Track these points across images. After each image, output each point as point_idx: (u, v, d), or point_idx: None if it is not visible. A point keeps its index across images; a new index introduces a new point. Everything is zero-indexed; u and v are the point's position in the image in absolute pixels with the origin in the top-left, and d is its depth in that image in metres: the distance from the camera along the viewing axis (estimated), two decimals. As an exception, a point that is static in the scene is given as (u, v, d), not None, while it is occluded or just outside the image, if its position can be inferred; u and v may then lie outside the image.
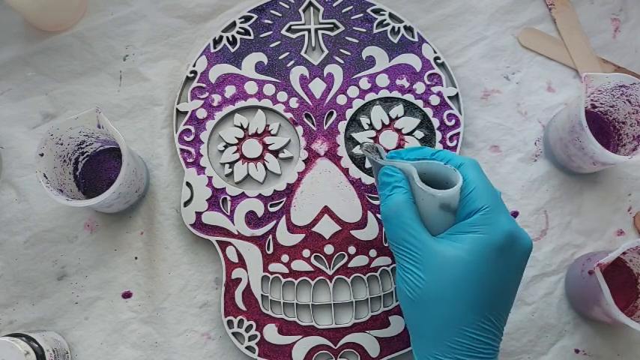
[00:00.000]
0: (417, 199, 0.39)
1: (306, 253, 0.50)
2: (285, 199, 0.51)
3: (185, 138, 0.52)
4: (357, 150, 0.51)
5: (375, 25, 0.55)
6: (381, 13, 0.55)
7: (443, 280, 0.37)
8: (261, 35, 0.55)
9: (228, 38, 0.55)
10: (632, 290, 0.49)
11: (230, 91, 0.53)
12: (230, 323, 0.49)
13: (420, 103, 0.53)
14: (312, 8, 0.56)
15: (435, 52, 0.55)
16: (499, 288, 0.38)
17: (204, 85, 0.53)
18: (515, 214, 0.52)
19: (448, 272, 0.37)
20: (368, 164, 0.51)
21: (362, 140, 0.52)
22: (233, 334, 0.49)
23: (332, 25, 0.55)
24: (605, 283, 0.43)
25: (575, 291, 0.49)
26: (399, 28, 0.55)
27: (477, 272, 0.37)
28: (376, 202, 0.51)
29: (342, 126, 0.52)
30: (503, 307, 0.39)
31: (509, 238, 0.38)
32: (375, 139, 0.52)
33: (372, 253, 0.50)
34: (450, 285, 0.37)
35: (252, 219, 0.51)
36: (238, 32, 0.55)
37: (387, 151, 0.47)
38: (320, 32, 0.55)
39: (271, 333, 0.49)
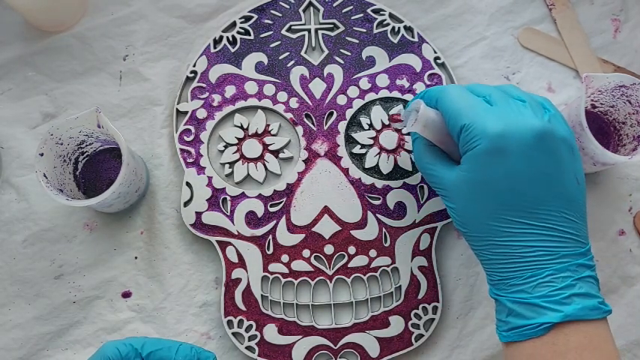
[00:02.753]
0: (425, 138, 0.44)
1: (306, 253, 0.50)
2: (285, 199, 0.51)
3: (185, 138, 0.52)
4: (395, 110, 0.49)
5: (375, 25, 0.55)
6: (381, 13, 0.55)
7: (463, 203, 0.40)
8: (262, 35, 0.55)
9: (228, 38, 0.55)
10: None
11: (230, 91, 0.53)
12: (230, 323, 0.49)
13: (420, 103, 0.53)
14: (312, 8, 0.56)
15: (435, 52, 0.55)
16: (510, 188, 0.38)
17: (204, 85, 0.53)
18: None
19: (462, 194, 0.40)
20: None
21: (363, 141, 0.52)
22: (233, 334, 0.49)
23: (332, 25, 0.55)
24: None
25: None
26: (399, 28, 0.55)
27: (479, 183, 0.38)
28: (376, 202, 0.51)
29: (342, 126, 0.52)
30: (535, 204, 0.37)
31: (495, 139, 0.37)
32: (375, 138, 0.52)
33: (372, 253, 0.50)
34: (469, 204, 0.39)
35: (252, 219, 0.51)
36: (238, 32, 0.55)
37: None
38: (320, 32, 0.55)
39: (271, 333, 0.49)
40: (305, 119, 0.53)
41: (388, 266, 0.50)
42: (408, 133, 0.51)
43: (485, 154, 0.38)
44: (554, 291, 0.36)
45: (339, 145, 0.52)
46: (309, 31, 0.55)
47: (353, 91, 0.53)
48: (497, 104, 0.39)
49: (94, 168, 0.52)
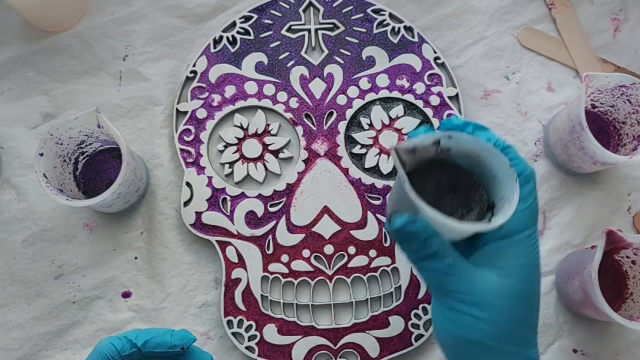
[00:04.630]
0: (399, 189, 0.34)
1: (305, 253, 0.50)
2: (285, 199, 0.51)
3: (185, 138, 0.52)
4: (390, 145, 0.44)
5: (375, 25, 0.55)
6: (381, 13, 0.55)
7: (504, 315, 0.34)
8: (261, 35, 0.55)
9: (228, 38, 0.55)
10: (621, 287, 0.49)
11: (230, 91, 0.53)
12: (230, 323, 0.49)
13: (420, 103, 0.53)
14: (312, 8, 0.56)
15: (435, 52, 0.55)
16: (537, 297, 0.36)
17: (204, 85, 0.53)
18: (515, 214, 0.52)
19: (507, 305, 0.34)
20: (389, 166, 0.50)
21: (363, 141, 0.52)
22: (233, 334, 0.49)
23: (332, 25, 0.55)
24: (597, 280, 0.43)
25: (566, 288, 0.49)
26: (399, 28, 0.55)
27: (527, 295, 0.35)
28: (376, 202, 0.51)
29: (342, 126, 0.52)
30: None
31: (539, 252, 0.36)
32: (375, 138, 0.52)
33: (372, 253, 0.50)
34: (512, 317, 0.34)
35: (252, 219, 0.51)
36: (238, 32, 0.55)
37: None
38: (320, 32, 0.55)
39: (271, 333, 0.49)
40: (305, 119, 0.53)
41: (388, 266, 0.50)
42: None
43: (534, 265, 0.35)
44: None
45: (339, 145, 0.52)
46: (309, 31, 0.55)
47: (353, 91, 0.53)
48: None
49: (94, 168, 0.52)
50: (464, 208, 0.35)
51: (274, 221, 0.50)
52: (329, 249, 0.50)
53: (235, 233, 0.50)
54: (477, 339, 0.34)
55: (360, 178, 0.51)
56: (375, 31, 0.55)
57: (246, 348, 0.49)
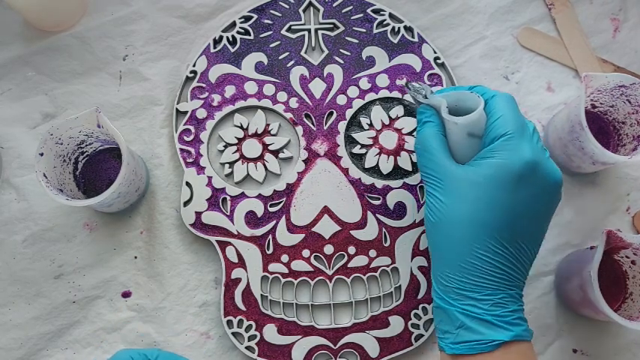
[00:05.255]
0: (447, 131, 0.42)
1: (305, 253, 0.50)
2: (284, 199, 0.51)
3: (185, 138, 0.52)
4: (401, 82, 0.52)
5: (375, 25, 0.55)
6: (381, 13, 0.55)
7: (459, 203, 0.39)
8: (261, 35, 0.55)
9: (228, 38, 0.55)
10: (621, 287, 0.49)
11: (230, 91, 0.53)
12: (230, 323, 0.49)
13: (419, 103, 0.53)
14: (312, 8, 0.56)
15: (435, 52, 0.55)
16: (515, 215, 0.38)
17: (204, 85, 0.53)
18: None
19: (464, 195, 0.39)
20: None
21: (363, 141, 0.52)
22: (233, 333, 0.49)
23: (332, 25, 0.55)
24: (597, 280, 0.43)
25: (566, 288, 0.49)
26: (399, 28, 0.55)
27: (489, 196, 0.38)
28: (376, 202, 0.51)
29: (342, 126, 0.52)
30: (522, 238, 0.39)
31: (529, 167, 0.38)
32: (375, 138, 0.52)
33: (372, 253, 0.50)
34: (465, 207, 0.39)
35: (251, 219, 0.51)
36: (238, 32, 0.55)
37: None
38: (320, 32, 0.55)
39: (271, 333, 0.49)
40: (305, 119, 0.53)
41: (388, 266, 0.50)
42: (415, 104, 0.47)
43: (513, 172, 0.38)
44: (506, 312, 0.38)
45: (338, 145, 0.52)
46: (309, 31, 0.55)
47: (353, 91, 0.53)
48: (536, 137, 0.40)
49: (94, 168, 0.52)
50: None
51: (274, 221, 0.51)
52: (329, 249, 0.50)
53: (235, 233, 0.50)
54: (435, 220, 0.40)
55: (360, 178, 0.51)
56: (375, 31, 0.55)
57: (246, 348, 0.49)
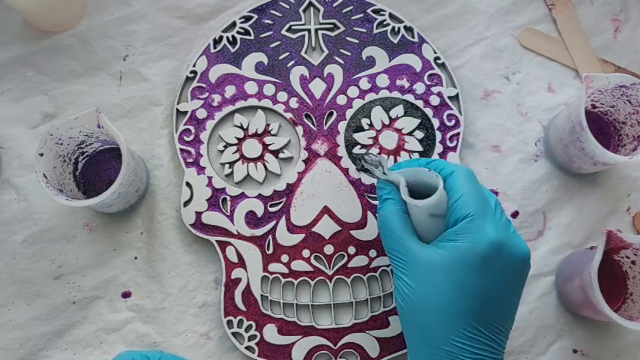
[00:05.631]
0: (409, 209, 0.40)
1: (305, 253, 0.50)
2: (285, 199, 0.51)
3: (185, 138, 0.52)
4: (357, 150, 0.52)
5: (375, 25, 0.55)
6: (381, 13, 0.55)
7: (427, 287, 0.38)
8: (262, 35, 0.55)
9: (228, 38, 0.55)
10: (621, 287, 0.49)
11: (230, 91, 0.53)
12: (230, 323, 0.49)
13: (420, 103, 0.53)
14: (312, 8, 0.56)
15: (435, 53, 0.55)
16: (487, 297, 0.37)
17: (204, 85, 0.53)
18: (515, 214, 0.52)
19: (431, 279, 0.37)
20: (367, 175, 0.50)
21: (363, 141, 0.52)
22: (233, 334, 0.49)
23: (332, 26, 0.55)
24: (597, 280, 0.43)
25: (566, 289, 0.49)
26: (399, 28, 0.55)
27: (458, 280, 0.37)
28: (376, 202, 0.51)
29: (342, 126, 0.52)
30: (496, 318, 0.38)
31: (494, 247, 0.37)
32: (375, 139, 0.52)
33: (372, 253, 0.50)
34: (434, 292, 0.37)
35: (251, 219, 0.51)
36: (238, 32, 0.55)
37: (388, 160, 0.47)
38: (320, 32, 0.55)
39: (271, 333, 0.49)
40: (305, 119, 0.53)
41: (388, 266, 0.50)
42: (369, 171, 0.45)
43: (478, 255, 0.37)
44: None
45: (339, 145, 0.52)
46: (309, 31, 0.55)
47: (353, 92, 0.53)
48: (498, 212, 0.39)
49: (94, 168, 0.52)
50: None
51: (274, 221, 0.50)
52: (329, 249, 0.50)
53: (235, 233, 0.50)
54: (405, 305, 0.39)
55: (359, 179, 0.51)
56: (375, 32, 0.55)
57: (246, 348, 0.49)
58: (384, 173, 0.42)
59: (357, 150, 0.52)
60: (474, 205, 0.38)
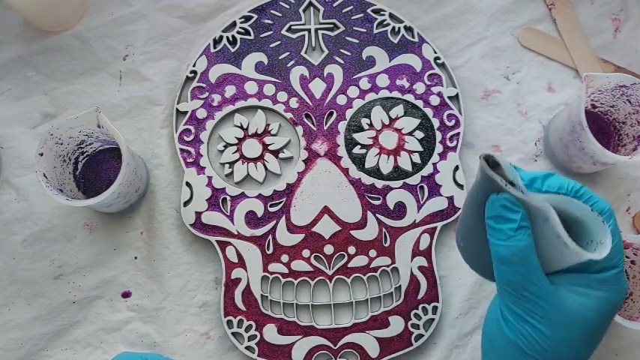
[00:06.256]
0: (536, 230, 0.34)
1: (305, 253, 0.50)
2: (285, 199, 0.51)
3: (185, 138, 0.52)
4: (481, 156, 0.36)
5: (375, 25, 0.55)
6: (382, 13, 0.55)
7: (568, 340, 0.34)
8: (262, 35, 0.55)
9: (228, 38, 0.55)
10: None
11: (230, 91, 0.53)
12: (230, 323, 0.49)
13: (420, 103, 0.53)
14: (312, 8, 0.56)
15: (435, 52, 0.55)
16: (601, 339, 0.36)
17: (204, 85, 0.53)
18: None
19: (577, 332, 0.34)
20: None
21: (363, 141, 0.52)
22: (233, 334, 0.49)
23: (332, 25, 0.55)
24: None
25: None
26: (399, 28, 0.55)
27: (599, 332, 0.35)
28: (376, 202, 0.51)
29: (342, 126, 0.52)
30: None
31: (625, 294, 0.36)
32: (375, 139, 0.52)
33: (372, 253, 0.50)
34: (575, 345, 0.34)
35: (251, 219, 0.51)
36: (238, 32, 0.55)
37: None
38: (320, 32, 0.55)
39: (271, 333, 0.49)
40: (305, 119, 0.53)
41: (388, 266, 0.50)
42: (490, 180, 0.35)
43: (616, 307, 0.35)
44: None
45: (339, 145, 0.52)
46: (309, 31, 0.55)
47: (353, 91, 0.53)
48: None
49: (94, 168, 0.52)
50: None
51: (274, 221, 0.50)
52: (329, 249, 0.50)
53: (235, 233, 0.50)
54: (532, 353, 0.34)
55: (360, 179, 0.51)
56: (375, 31, 0.55)
57: (246, 348, 0.49)
58: (521, 191, 0.34)
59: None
60: (621, 256, 0.35)
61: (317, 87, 0.53)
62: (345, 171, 0.51)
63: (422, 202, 0.51)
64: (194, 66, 0.54)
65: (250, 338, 0.49)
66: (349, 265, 0.50)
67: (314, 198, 0.51)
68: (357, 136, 0.52)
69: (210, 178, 0.51)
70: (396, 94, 0.53)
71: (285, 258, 0.50)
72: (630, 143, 0.50)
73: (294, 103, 0.53)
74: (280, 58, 0.54)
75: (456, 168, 0.52)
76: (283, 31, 0.55)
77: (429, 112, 0.53)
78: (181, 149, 0.52)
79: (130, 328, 0.50)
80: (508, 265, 0.35)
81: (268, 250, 0.50)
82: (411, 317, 0.49)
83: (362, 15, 0.55)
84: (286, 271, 0.50)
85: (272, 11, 0.55)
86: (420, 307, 0.50)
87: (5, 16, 0.56)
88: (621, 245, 0.35)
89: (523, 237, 0.34)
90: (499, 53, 0.56)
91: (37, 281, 0.50)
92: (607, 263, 0.35)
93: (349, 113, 0.53)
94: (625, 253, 0.47)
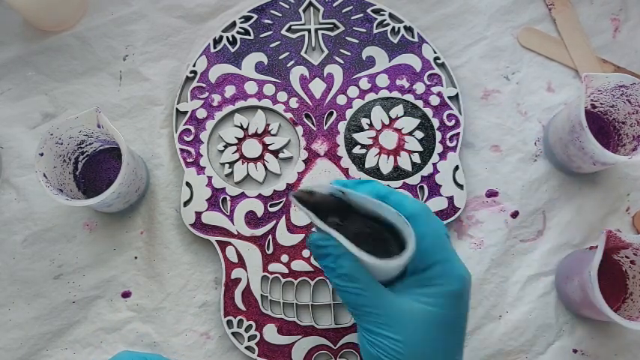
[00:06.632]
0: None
1: (305, 253, 0.50)
2: (285, 199, 0.51)
3: (185, 138, 0.52)
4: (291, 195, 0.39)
5: (375, 25, 0.55)
6: (381, 13, 0.55)
7: (417, 337, 0.36)
8: (261, 35, 0.55)
9: (228, 38, 0.55)
10: (621, 287, 0.49)
11: (230, 91, 0.53)
12: (230, 323, 0.49)
13: (419, 103, 0.53)
14: (312, 8, 0.56)
15: (435, 53, 0.55)
16: (461, 328, 0.38)
17: (204, 85, 0.53)
18: (515, 214, 0.52)
19: (421, 328, 0.36)
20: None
21: (363, 141, 0.52)
22: (232, 334, 0.49)
23: (332, 25, 0.55)
24: (596, 280, 0.43)
25: (566, 289, 0.49)
26: (399, 28, 0.55)
27: (446, 322, 0.37)
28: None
29: (342, 126, 0.52)
30: (463, 343, 0.39)
31: (464, 281, 0.38)
32: (375, 138, 0.52)
33: (372, 253, 0.50)
34: (424, 341, 0.36)
35: (251, 219, 0.51)
36: (238, 32, 0.55)
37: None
38: (320, 32, 0.55)
39: (271, 333, 0.49)
40: (305, 119, 0.53)
41: (388, 266, 0.50)
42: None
43: (456, 294, 0.37)
44: None
45: (338, 145, 0.52)
46: (309, 31, 0.55)
47: (353, 91, 0.53)
48: (449, 241, 0.39)
49: (94, 168, 0.52)
50: (385, 253, 0.36)
51: (274, 221, 0.50)
52: (329, 249, 0.50)
53: (235, 233, 0.50)
54: (387, 359, 0.36)
55: (360, 178, 0.51)
56: (375, 31, 0.55)
57: (246, 348, 0.49)
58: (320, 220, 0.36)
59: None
60: (441, 249, 0.38)
61: (317, 87, 0.53)
62: (345, 171, 0.51)
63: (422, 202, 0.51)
64: (194, 66, 0.54)
65: (250, 338, 0.49)
66: (349, 265, 0.50)
67: (314, 198, 0.51)
68: (356, 136, 0.52)
69: (210, 178, 0.51)
70: (395, 94, 0.53)
71: (285, 258, 0.50)
72: (630, 143, 0.50)
73: (294, 103, 0.53)
74: (280, 58, 0.54)
75: (456, 168, 0.52)
76: (283, 31, 0.55)
77: (428, 112, 0.53)
78: (181, 149, 0.52)
79: (129, 327, 0.50)
80: (343, 290, 0.37)
81: (268, 250, 0.50)
82: (410, 317, 0.49)
83: (362, 15, 0.55)
84: (286, 271, 0.50)
85: (272, 11, 0.55)
86: (420, 306, 0.50)
87: (5, 16, 0.56)
88: (438, 240, 0.38)
89: (343, 262, 0.36)
90: (499, 53, 0.56)
91: (37, 281, 0.50)
92: (429, 261, 0.37)
93: (349, 113, 0.53)
94: (625, 253, 0.47)
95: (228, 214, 0.51)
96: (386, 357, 0.36)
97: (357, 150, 0.52)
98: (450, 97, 0.53)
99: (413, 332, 0.36)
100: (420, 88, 0.53)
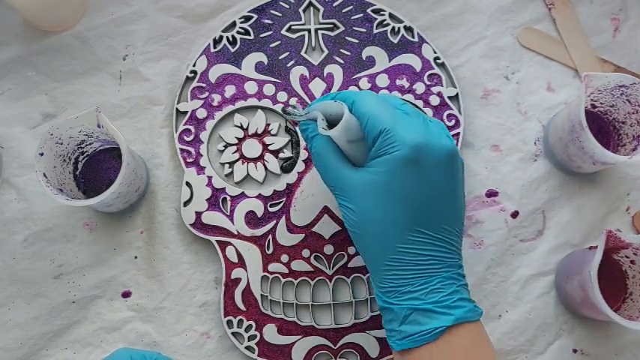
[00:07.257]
0: (334, 140, 0.41)
1: (305, 253, 0.50)
2: (284, 199, 0.51)
3: (185, 138, 0.52)
4: (277, 108, 0.52)
5: (375, 25, 0.55)
6: (381, 13, 0.55)
7: (366, 206, 0.39)
8: (261, 35, 0.55)
9: (228, 38, 0.55)
10: (620, 286, 0.49)
11: (230, 90, 0.53)
12: (230, 323, 0.49)
13: (420, 103, 0.53)
14: (312, 8, 0.56)
15: (435, 52, 0.55)
16: (423, 200, 0.39)
17: (204, 85, 0.53)
18: (515, 213, 0.52)
19: (367, 197, 0.39)
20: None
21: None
22: (232, 333, 0.49)
23: (332, 25, 0.55)
24: (596, 280, 0.43)
25: (566, 288, 0.49)
26: (399, 28, 0.55)
27: (391, 190, 0.38)
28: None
29: (341, 126, 0.52)
30: (439, 218, 0.39)
31: (415, 149, 0.38)
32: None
33: (372, 252, 0.50)
34: (373, 208, 0.39)
35: (251, 219, 0.51)
36: (238, 32, 0.55)
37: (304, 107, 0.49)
38: (320, 32, 0.55)
39: (271, 333, 0.49)
40: (305, 119, 0.53)
41: (388, 266, 0.50)
42: (296, 123, 0.51)
43: (402, 161, 0.38)
44: (444, 296, 0.38)
45: (338, 145, 0.52)
46: (309, 31, 0.55)
47: (353, 91, 0.53)
48: (412, 116, 0.40)
49: (94, 168, 0.52)
50: None
51: (274, 221, 0.51)
52: (329, 249, 0.50)
53: (235, 233, 0.50)
54: (351, 229, 0.40)
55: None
56: (375, 31, 0.55)
57: (246, 348, 0.49)
58: (303, 115, 0.42)
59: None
60: (383, 121, 0.39)
61: (317, 87, 0.53)
62: (345, 171, 0.51)
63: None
64: (194, 66, 0.54)
65: (250, 338, 0.49)
66: (349, 265, 0.50)
67: (314, 198, 0.51)
68: (356, 135, 0.52)
69: (210, 178, 0.51)
70: (395, 94, 0.53)
71: (285, 258, 0.50)
72: (630, 143, 0.50)
73: (294, 103, 0.53)
74: (280, 58, 0.54)
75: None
76: (283, 31, 0.55)
77: (428, 111, 0.53)
78: (181, 149, 0.52)
79: (129, 327, 0.50)
80: (317, 168, 0.42)
81: (268, 250, 0.50)
82: (410, 317, 0.49)
83: (362, 15, 0.55)
84: (286, 271, 0.50)
85: (272, 11, 0.55)
86: (420, 306, 0.50)
87: (5, 16, 0.56)
88: (382, 114, 0.39)
89: (315, 142, 0.42)
90: (499, 53, 0.56)
91: (37, 281, 0.50)
92: (373, 135, 0.39)
93: (349, 113, 0.53)
94: (625, 253, 0.47)
95: (228, 214, 0.51)
96: (348, 225, 0.41)
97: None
98: (449, 97, 0.53)
99: (360, 200, 0.39)
100: (420, 88, 0.53)
